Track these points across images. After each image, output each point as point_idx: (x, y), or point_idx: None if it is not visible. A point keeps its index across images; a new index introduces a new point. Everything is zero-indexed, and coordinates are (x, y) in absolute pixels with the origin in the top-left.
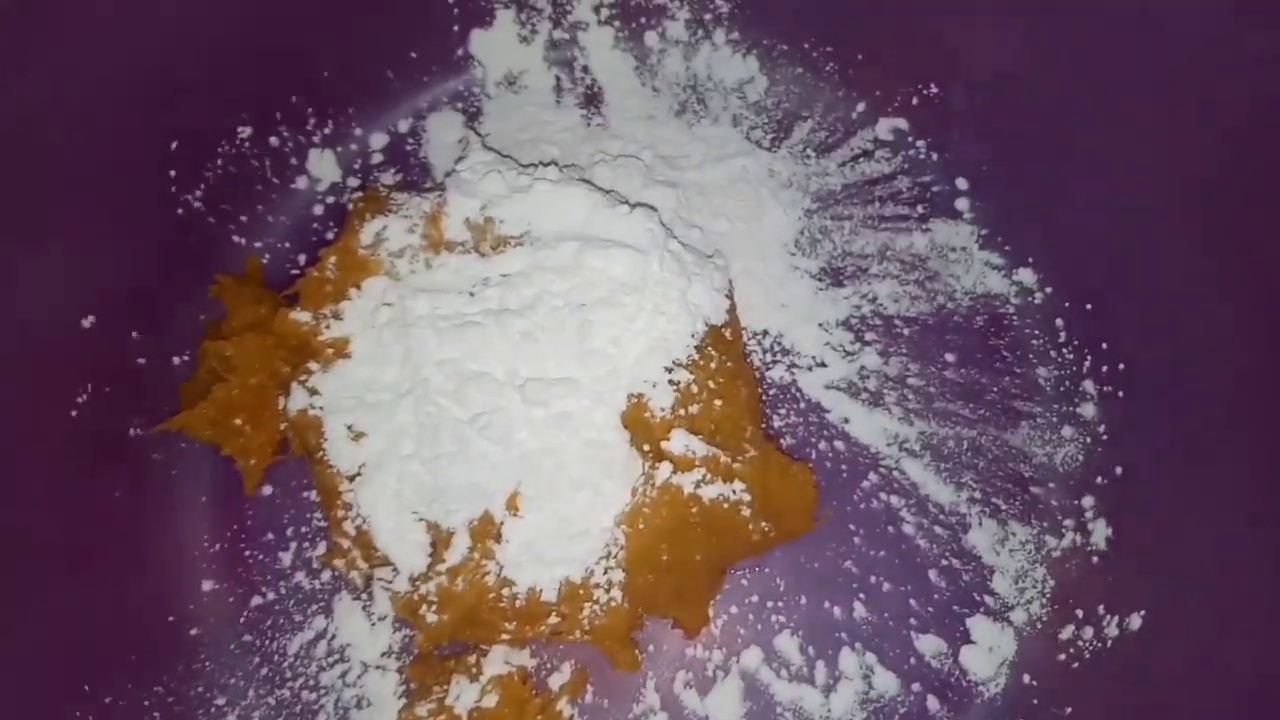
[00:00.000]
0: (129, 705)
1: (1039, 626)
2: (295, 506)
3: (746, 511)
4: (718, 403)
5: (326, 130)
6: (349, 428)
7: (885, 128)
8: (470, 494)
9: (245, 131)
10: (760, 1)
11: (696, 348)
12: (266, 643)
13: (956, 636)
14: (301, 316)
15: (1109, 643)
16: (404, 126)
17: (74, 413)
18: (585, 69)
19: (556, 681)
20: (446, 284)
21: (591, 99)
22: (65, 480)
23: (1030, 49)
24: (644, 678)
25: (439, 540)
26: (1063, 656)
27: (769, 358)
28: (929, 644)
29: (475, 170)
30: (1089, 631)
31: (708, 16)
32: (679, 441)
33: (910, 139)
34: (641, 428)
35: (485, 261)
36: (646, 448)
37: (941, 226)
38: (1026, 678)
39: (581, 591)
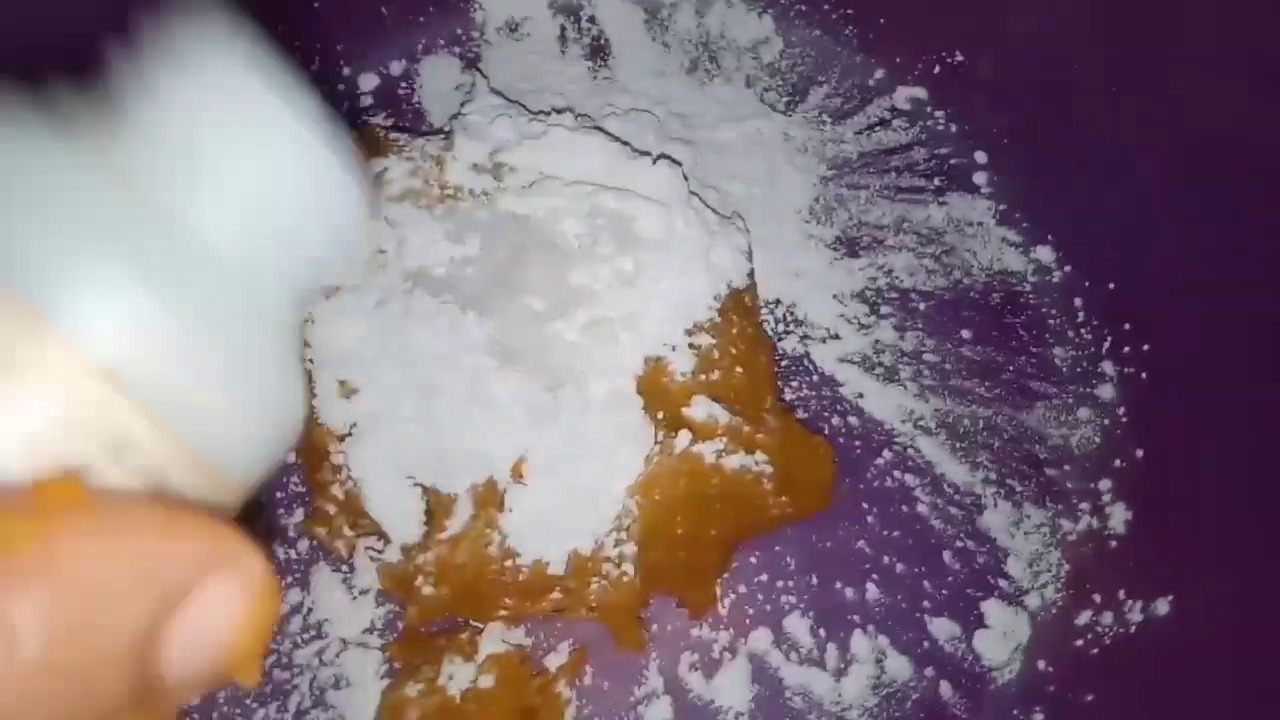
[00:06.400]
0: None
1: (1053, 611)
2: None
3: (768, 485)
4: (739, 370)
5: (313, 67)
6: (341, 383)
7: (903, 96)
8: (474, 459)
9: None
10: None
11: (718, 311)
12: None
13: (970, 620)
14: None
15: (1132, 628)
16: (396, 69)
17: None
18: (592, 19)
19: (554, 662)
20: (452, 233)
21: (598, 51)
22: None
23: (1056, 22)
24: (647, 659)
25: (438, 508)
26: (1080, 642)
27: (781, 328)
28: (942, 627)
29: (484, 113)
30: (1108, 617)
31: None
32: (701, 408)
33: (929, 109)
34: (658, 393)
35: (493, 208)
36: (661, 415)
37: (958, 200)
38: (1041, 663)
39: (590, 564)
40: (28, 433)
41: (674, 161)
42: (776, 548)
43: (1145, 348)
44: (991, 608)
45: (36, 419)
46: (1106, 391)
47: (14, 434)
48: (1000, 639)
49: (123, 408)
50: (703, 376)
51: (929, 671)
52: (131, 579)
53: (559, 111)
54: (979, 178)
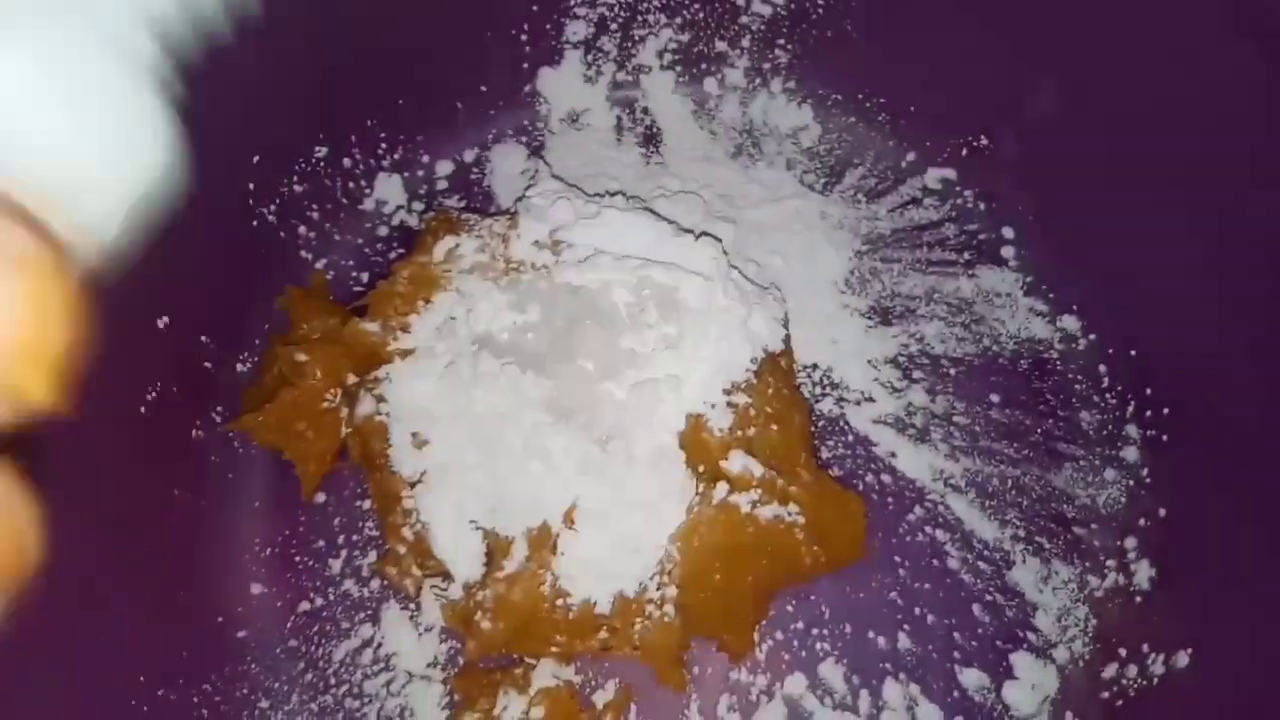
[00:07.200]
0: (180, 700)
1: (1081, 665)
2: (347, 515)
3: (800, 535)
4: (774, 427)
5: (396, 155)
6: (413, 435)
7: (934, 177)
8: (530, 505)
9: (322, 151)
10: (817, 53)
11: (755, 373)
12: (312, 649)
13: (999, 671)
14: (371, 327)
15: (1154, 681)
16: (469, 156)
17: (143, 409)
18: (646, 110)
19: (600, 699)
20: (514, 302)
21: (651, 139)
22: (130, 475)
23: (1078, 104)
24: (688, 699)
25: (496, 549)
26: (1106, 695)
27: (818, 390)
28: (972, 678)
29: (545, 196)
30: (1133, 670)
31: (766, 66)
32: (737, 461)
33: (958, 188)
34: (699, 448)
35: (552, 280)
36: (702, 468)
37: (987, 273)
38: (1069, 715)
39: (634, 606)
40: None
41: (715, 238)
42: (812, 597)
43: (1167, 411)
44: (1020, 660)
45: None
46: (1131, 453)
47: None
48: (1029, 690)
49: None
50: (739, 433)
51: None
52: None
53: (612, 194)
54: (1006, 251)
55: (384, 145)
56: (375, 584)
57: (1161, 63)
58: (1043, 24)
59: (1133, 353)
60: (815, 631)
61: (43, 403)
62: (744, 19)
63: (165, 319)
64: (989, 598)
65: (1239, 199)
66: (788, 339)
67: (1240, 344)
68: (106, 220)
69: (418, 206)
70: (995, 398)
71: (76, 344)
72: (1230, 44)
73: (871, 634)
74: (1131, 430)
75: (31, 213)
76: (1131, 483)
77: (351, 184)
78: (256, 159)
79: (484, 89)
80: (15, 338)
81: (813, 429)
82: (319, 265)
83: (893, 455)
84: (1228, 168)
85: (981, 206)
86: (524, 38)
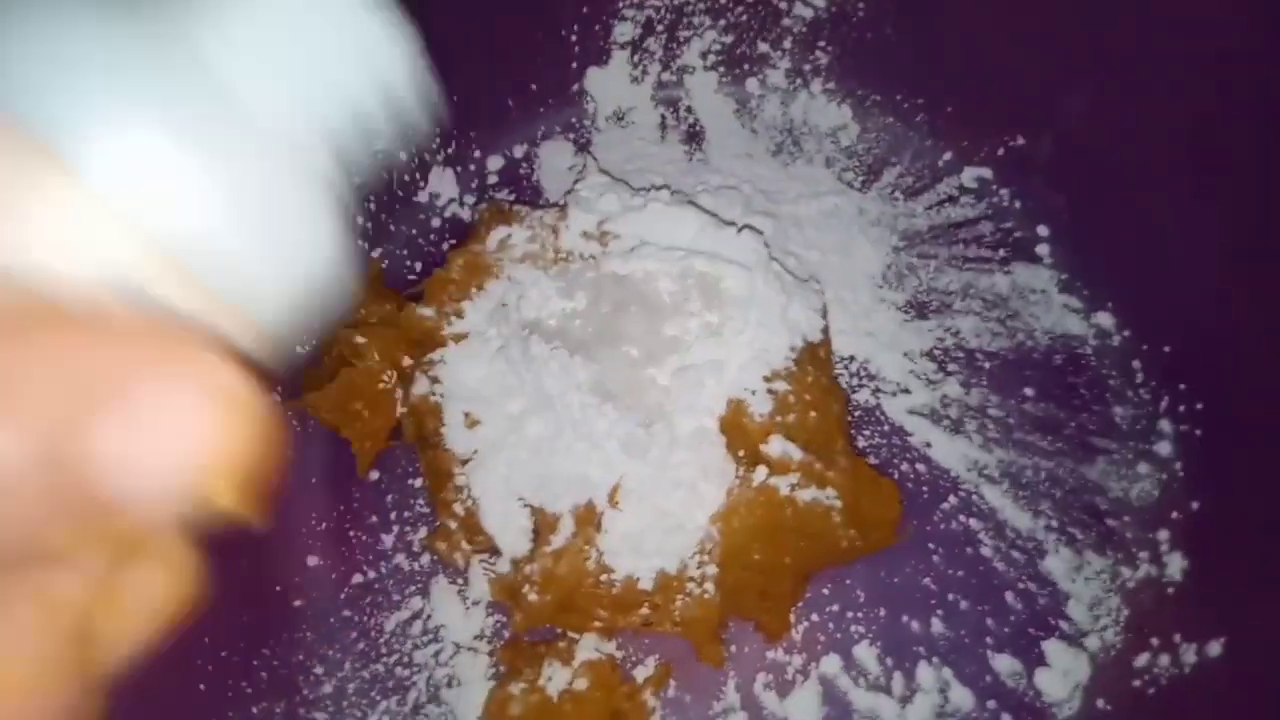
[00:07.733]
0: (241, 662)
1: (1113, 653)
2: (400, 492)
3: (837, 518)
4: (812, 414)
5: (449, 150)
6: (466, 415)
7: (970, 176)
8: (576, 483)
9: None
10: (857, 55)
11: (794, 361)
12: (364, 619)
13: (1032, 658)
14: (426, 312)
15: (1186, 670)
16: (519, 152)
17: None
18: (689, 109)
19: (641, 674)
20: (563, 289)
21: (693, 136)
22: None
23: (1111, 105)
24: (725, 676)
25: (543, 524)
26: (1138, 683)
27: (855, 381)
28: (1004, 663)
29: (593, 189)
30: (1165, 659)
31: (807, 67)
32: (776, 446)
33: (994, 187)
34: (739, 432)
35: (599, 269)
36: (742, 452)
37: (1022, 270)
38: (1101, 702)
39: (675, 583)
40: (35, 258)
41: (756, 230)
42: (847, 581)
43: (1200, 407)
44: (1052, 647)
45: (46, 248)
46: (1164, 448)
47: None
48: (1061, 677)
49: (136, 247)
50: (779, 418)
51: (991, 704)
52: (43, 369)
53: (657, 188)
54: (1041, 249)
55: (437, 140)
56: (425, 558)
57: (1194, 64)
58: (1076, 28)
59: (1166, 349)
60: (850, 614)
61: (236, 513)
62: (786, 21)
63: None
64: (1022, 586)
65: (1272, 198)
66: (826, 330)
67: (1272, 341)
68: (281, 320)
69: (469, 199)
70: (1029, 391)
71: (266, 462)
72: (1264, 46)
73: (905, 618)
74: (1165, 425)
75: (227, 341)
76: (1164, 476)
77: (406, 177)
78: None
79: (534, 88)
80: (214, 460)
81: (849, 418)
82: (375, 254)
83: (927, 445)
84: (1261, 168)
85: (1017, 205)
86: (573, 39)
